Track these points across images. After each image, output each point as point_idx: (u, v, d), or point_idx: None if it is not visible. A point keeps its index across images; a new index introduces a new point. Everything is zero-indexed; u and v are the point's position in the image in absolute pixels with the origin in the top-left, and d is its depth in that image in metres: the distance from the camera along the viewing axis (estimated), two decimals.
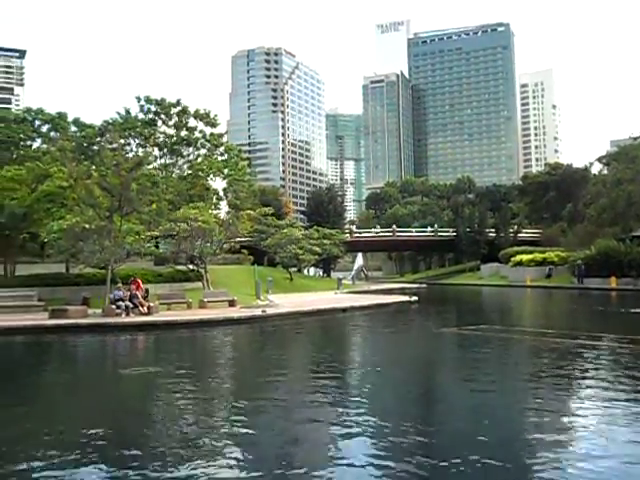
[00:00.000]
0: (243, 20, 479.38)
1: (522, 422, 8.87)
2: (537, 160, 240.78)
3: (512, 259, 68.81)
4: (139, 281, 28.93)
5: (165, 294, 31.15)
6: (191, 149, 58.38)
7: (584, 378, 12.21)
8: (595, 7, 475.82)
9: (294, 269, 59.75)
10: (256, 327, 25.35)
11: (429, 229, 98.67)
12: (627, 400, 9.65)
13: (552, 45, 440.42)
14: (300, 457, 7.21)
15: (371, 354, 17.96)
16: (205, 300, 30.86)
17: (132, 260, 37.46)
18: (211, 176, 58.87)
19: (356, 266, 78.90)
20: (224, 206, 62.27)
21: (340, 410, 9.58)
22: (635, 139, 65.01)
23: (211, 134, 58.78)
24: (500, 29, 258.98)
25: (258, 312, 27.79)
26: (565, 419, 8.99)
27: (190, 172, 56.92)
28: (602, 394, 10.28)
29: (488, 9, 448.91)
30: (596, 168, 77.78)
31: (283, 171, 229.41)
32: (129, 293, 26.88)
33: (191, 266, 39.37)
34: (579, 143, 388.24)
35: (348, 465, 6.71)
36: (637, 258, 47.10)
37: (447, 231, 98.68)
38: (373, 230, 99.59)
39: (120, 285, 27.36)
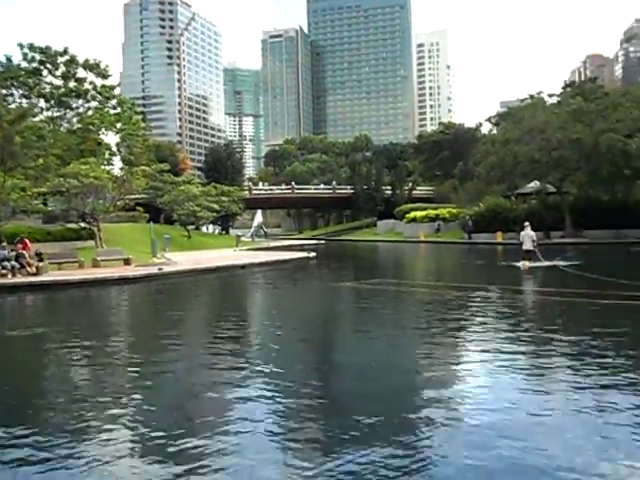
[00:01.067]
0: None
1: (415, 373, 9.27)
2: (432, 119, 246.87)
3: (407, 216, 70.92)
4: (26, 240, 27.62)
5: (55, 253, 29.88)
6: (81, 101, 55.30)
7: (471, 328, 12.91)
8: None
9: (192, 227, 58.84)
10: (153, 285, 24.95)
11: (327, 186, 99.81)
12: (505, 342, 10.34)
13: (447, 6, 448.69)
14: (198, 420, 6.93)
15: (269, 310, 18.15)
16: (98, 259, 29.94)
17: (19, 218, 35.68)
18: (103, 130, 56.26)
19: (255, 223, 78.67)
20: (117, 162, 59.99)
21: (238, 366, 9.66)
22: (522, 101, 67.95)
23: (102, 86, 55.85)
24: None
25: (155, 270, 27.31)
26: (455, 368, 9.50)
27: (80, 126, 54.08)
28: (488, 345, 10.94)
29: None
30: (486, 128, 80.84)
31: (180, 126, 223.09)
32: (14, 253, 25.58)
33: (83, 224, 37.95)
34: (471, 103, 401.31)
35: (247, 428, 6.46)
36: (521, 214, 49.69)
37: (345, 188, 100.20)
38: (272, 187, 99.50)
39: (5, 244, 25.97)
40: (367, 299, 18.16)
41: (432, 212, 67.86)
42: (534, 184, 55.81)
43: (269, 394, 7.68)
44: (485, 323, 13.07)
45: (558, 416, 6.56)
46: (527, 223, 27.98)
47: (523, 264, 25.74)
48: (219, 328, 13.69)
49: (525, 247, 26.66)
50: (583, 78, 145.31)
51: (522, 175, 54.07)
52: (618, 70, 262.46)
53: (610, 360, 9.00)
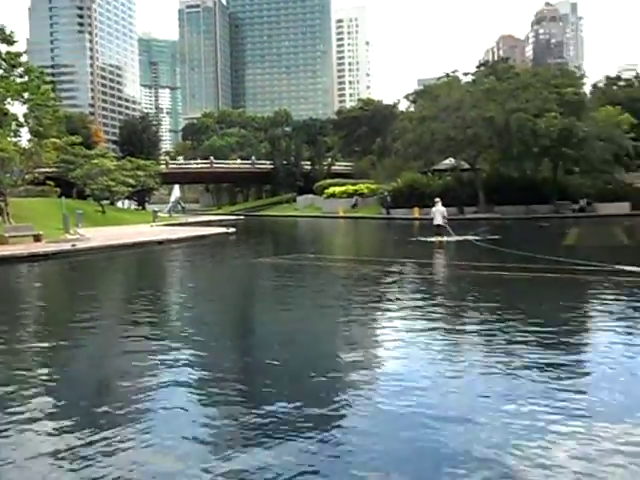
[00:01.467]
0: None
1: (333, 349, 9.41)
2: (351, 95, 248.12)
3: (326, 191, 71.33)
4: None
5: None
6: None
7: (387, 301, 13.19)
8: None
9: (106, 202, 57.02)
10: (65, 262, 24.10)
11: (246, 161, 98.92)
12: (419, 317, 10.65)
13: None
14: (113, 408, 6.55)
15: (185, 288, 17.87)
16: (6, 235, 28.63)
17: None
18: (9, 100, 53.33)
19: (172, 198, 77.08)
20: (25, 133, 57.10)
21: (152, 349, 9.51)
22: (439, 79, 69.27)
23: (7, 53, 52.79)
24: None
25: (67, 246, 26.39)
26: (370, 346, 9.69)
27: None
28: (400, 319, 11.23)
29: None
30: (404, 105, 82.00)
31: (92, 97, 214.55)
32: None
33: None
34: (390, 80, 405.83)
35: (163, 415, 6.24)
36: (437, 190, 50.94)
37: (264, 163, 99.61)
38: (190, 161, 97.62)
39: None
40: (285, 275, 18.21)
41: (351, 187, 68.52)
42: (449, 161, 57.28)
43: (183, 379, 7.39)
44: (399, 299, 13.38)
45: (466, 378, 6.83)
46: (437, 199, 28.82)
47: (437, 239, 26.50)
48: (134, 308, 13.38)
49: (436, 222, 27.48)
50: (496, 58, 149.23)
51: (438, 152, 55.37)
52: (529, 51, 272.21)
53: (522, 330, 9.42)
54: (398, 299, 13.20)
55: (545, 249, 22.88)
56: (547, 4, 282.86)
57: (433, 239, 26.62)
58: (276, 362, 8.09)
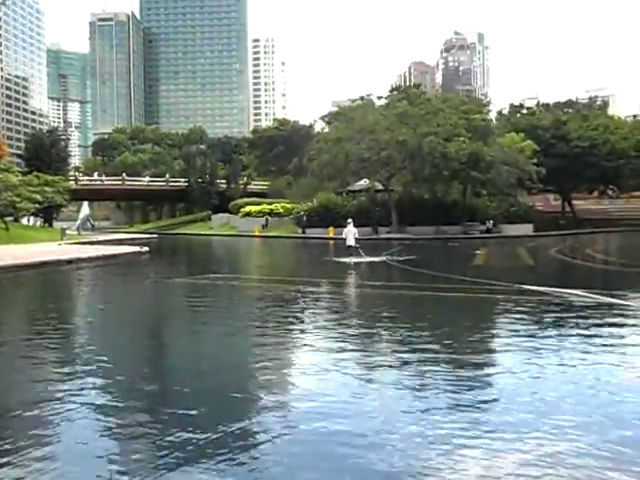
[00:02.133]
0: None
1: (245, 372, 9.37)
2: (267, 115, 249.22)
3: (242, 210, 71.13)
4: None
5: None
6: None
7: (300, 321, 13.25)
8: None
9: (10, 218, 54.46)
10: None
11: (160, 179, 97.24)
12: (332, 338, 10.77)
13: (283, 4, 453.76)
14: (10, 444, 6.20)
15: (95, 310, 17.28)
16: None
17: None
18: None
19: (81, 215, 74.68)
20: None
21: (62, 372, 9.17)
22: (353, 101, 70.84)
23: None
24: None
25: None
26: (284, 359, 9.71)
27: None
28: (316, 341, 11.32)
29: None
30: (319, 126, 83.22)
31: None
32: None
33: None
34: (305, 100, 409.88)
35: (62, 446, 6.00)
36: (352, 210, 51.81)
37: (179, 181, 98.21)
38: (101, 178, 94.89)
39: None
40: (198, 295, 17.95)
41: (267, 207, 68.58)
42: (364, 182, 58.43)
43: (84, 409, 7.06)
44: (315, 320, 13.48)
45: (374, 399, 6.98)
46: (350, 220, 29.47)
47: (349, 259, 26.92)
48: (39, 330, 12.80)
49: (348, 243, 27.93)
50: (408, 83, 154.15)
51: (353, 173, 56.45)
52: (439, 77, 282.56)
53: (435, 347, 9.70)
54: (311, 320, 13.29)
55: (455, 269, 23.69)
56: (456, 33, 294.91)
57: (346, 259, 27.02)
58: (186, 389, 7.96)
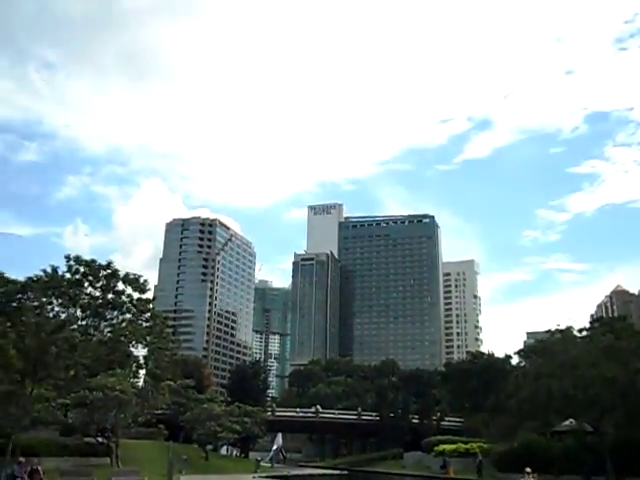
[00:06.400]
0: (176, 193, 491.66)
1: None
2: (459, 347, 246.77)
3: (435, 448, 67.40)
4: (40, 470, 23.85)
5: (68, 469, 28.55)
6: (115, 313, 56.56)
7: None
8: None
9: (210, 446, 56.52)
10: None
11: (352, 411, 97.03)
12: None
13: (474, 237, 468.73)
14: None
15: None
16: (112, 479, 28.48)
17: (36, 429, 34.62)
18: (133, 342, 56.74)
19: (275, 447, 75.43)
20: (142, 374, 59.56)
21: None
22: (553, 334, 67.77)
23: (138, 299, 57.41)
24: (425, 220, 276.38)
25: None
26: None
27: (111, 337, 54.70)
28: None
29: (416, 202, 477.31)
30: (515, 359, 79.81)
31: (207, 341, 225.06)
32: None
33: (100, 439, 36.75)
34: (498, 331, 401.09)
35: None
36: (556, 454, 46.95)
37: (370, 415, 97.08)
38: (296, 410, 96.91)
39: (22, 460, 23.42)
40: None
41: (463, 446, 64.39)
42: (569, 421, 53.42)
43: None
44: None
45: None
46: (528, 469, 26.97)
47: None
48: None
49: None
50: (609, 313, 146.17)
51: (556, 411, 52.11)
52: None
53: None
54: None
55: None
56: None
57: None
58: None
